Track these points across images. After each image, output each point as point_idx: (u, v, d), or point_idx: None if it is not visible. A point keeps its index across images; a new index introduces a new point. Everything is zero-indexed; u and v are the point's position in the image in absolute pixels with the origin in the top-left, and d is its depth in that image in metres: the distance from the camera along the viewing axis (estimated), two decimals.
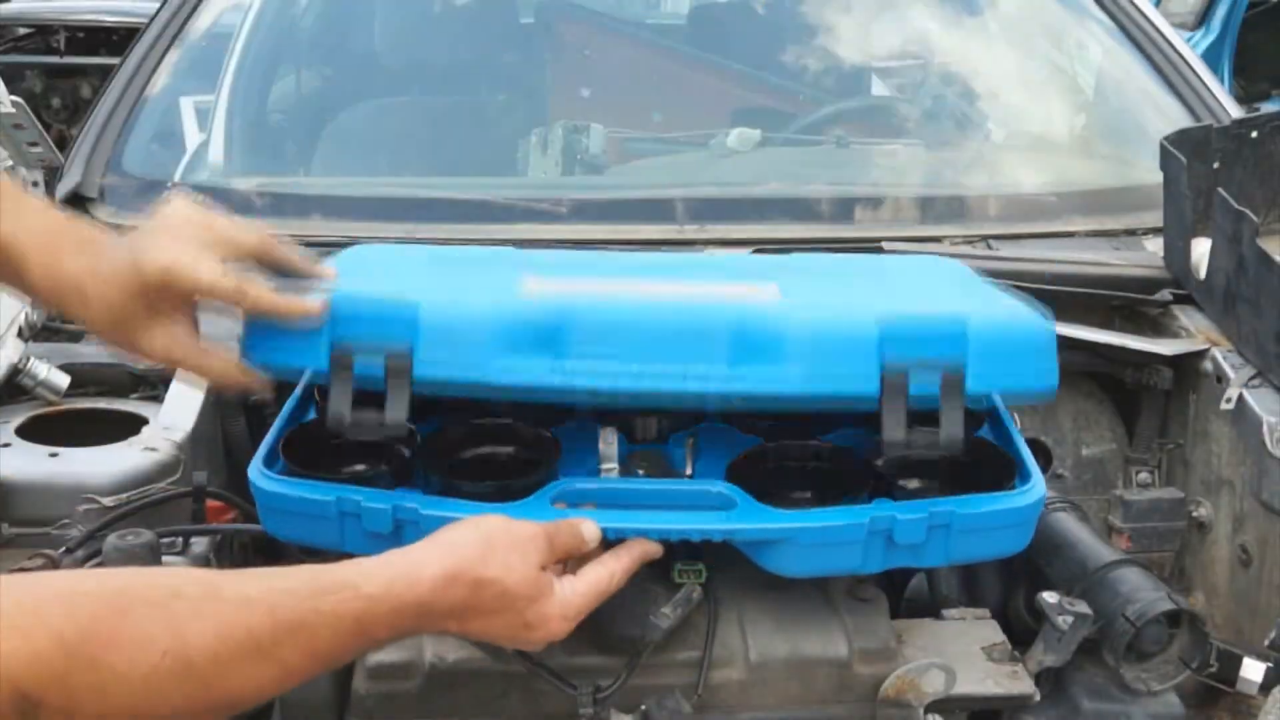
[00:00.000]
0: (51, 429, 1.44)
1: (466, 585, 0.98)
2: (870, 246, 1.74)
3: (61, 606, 0.79)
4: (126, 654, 0.80)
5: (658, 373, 1.10)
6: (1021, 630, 1.26)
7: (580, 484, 1.16)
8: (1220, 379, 1.53)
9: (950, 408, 1.11)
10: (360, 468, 1.15)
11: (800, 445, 1.22)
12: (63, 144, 1.90)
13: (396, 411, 1.10)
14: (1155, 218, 1.79)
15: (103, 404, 1.51)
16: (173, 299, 1.08)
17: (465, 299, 1.10)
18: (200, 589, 0.87)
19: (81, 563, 1.24)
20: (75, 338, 1.61)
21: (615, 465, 1.19)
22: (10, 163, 1.65)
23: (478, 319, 1.08)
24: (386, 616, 0.94)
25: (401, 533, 1.08)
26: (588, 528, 1.07)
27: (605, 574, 1.05)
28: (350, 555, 0.99)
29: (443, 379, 1.09)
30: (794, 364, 1.08)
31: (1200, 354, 1.57)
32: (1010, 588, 1.32)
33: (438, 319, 1.07)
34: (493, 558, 0.99)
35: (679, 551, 1.16)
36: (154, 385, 1.50)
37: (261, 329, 1.12)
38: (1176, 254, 1.70)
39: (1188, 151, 1.65)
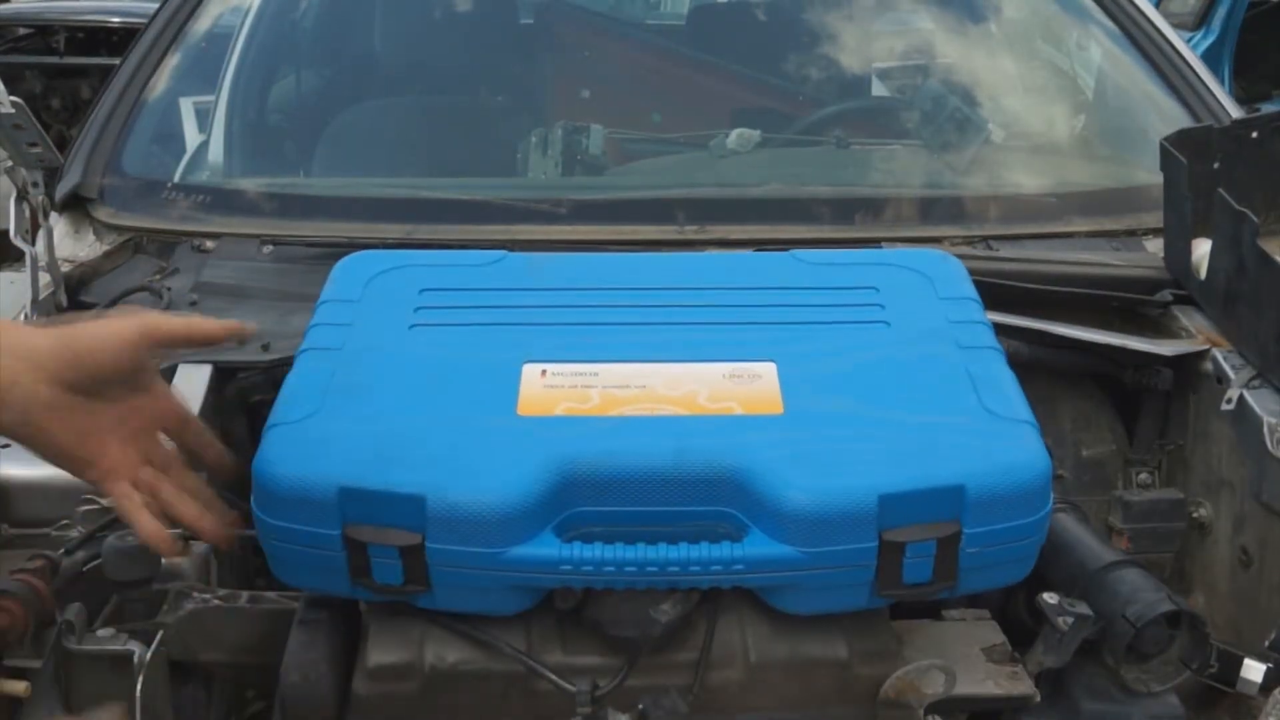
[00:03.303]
0: None
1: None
2: (870, 248, 1.74)
3: None
4: None
5: (660, 559, 1.10)
6: (1021, 631, 1.26)
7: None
8: (1220, 380, 1.53)
9: (944, 563, 1.12)
10: None
11: None
12: (63, 144, 1.89)
13: (416, 582, 1.12)
14: (1156, 218, 1.79)
15: None
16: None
17: (469, 480, 1.11)
18: None
19: (83, 563, 1.24)
20: None
21: None
22: (10, 163, 1.65)
23: (483, 508, 1.09)
24: None
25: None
26: None
27: None
28: None
29: (454, 562, 1.11)
30: (793, 544, 1.10)
31: (1200, 355, 1.57)
32: (1010, 589, 1.32)
33: (444, 511, 1.09)
34: None
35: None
36: None
37: (279, 554, 1.16)
38: (1177, 255, 1.70)
39: (1188, 152, 1.65)
